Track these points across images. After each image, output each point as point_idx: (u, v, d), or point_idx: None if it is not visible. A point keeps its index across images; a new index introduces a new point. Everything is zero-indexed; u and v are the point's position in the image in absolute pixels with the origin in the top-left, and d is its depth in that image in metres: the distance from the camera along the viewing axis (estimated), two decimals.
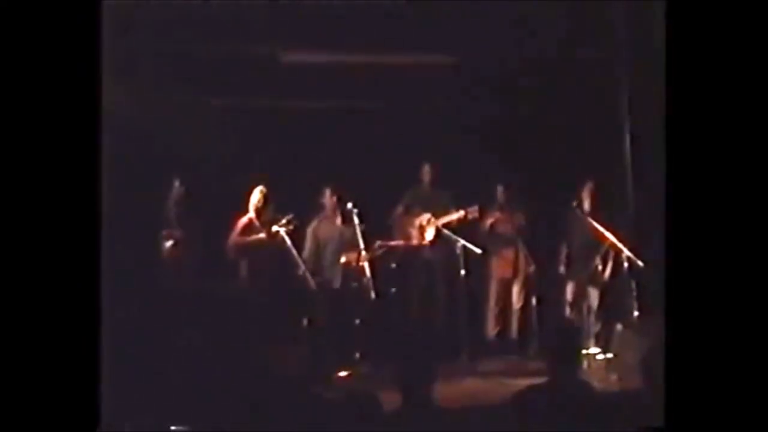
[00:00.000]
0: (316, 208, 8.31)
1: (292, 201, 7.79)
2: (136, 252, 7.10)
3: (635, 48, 8.29)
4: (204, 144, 8.05)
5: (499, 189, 8.61)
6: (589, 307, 8.21)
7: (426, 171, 8.60)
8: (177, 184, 7.74)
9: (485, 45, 8.18)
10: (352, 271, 7.98)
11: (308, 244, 8.19)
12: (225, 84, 8.26)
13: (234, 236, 7.67)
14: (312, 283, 7.68)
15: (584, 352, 7.36)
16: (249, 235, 7.65)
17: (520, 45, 8.22)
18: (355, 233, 7.85)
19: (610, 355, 7.64)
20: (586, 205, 8.08)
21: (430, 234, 8.45)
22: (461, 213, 8.25)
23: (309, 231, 8.22)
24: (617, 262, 7.76)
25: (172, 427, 4.67)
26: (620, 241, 7.64)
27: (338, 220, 8.18)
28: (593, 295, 8.18)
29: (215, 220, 7.75)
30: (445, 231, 8.18)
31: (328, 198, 8.23)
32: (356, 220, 7.84)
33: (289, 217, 7.55)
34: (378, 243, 8.11)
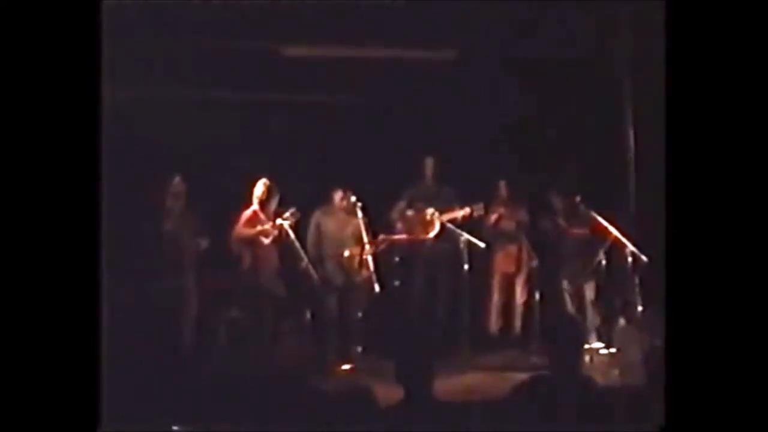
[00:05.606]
0: (320, 202, 8.30)
1: (296, 195, 7.78)
2: (136, 250, 7.09)
3: (636, 46, 8.28)
4: (206, 139, 8.06)
5: (502, 184, 8.63)
6: (593, 303, 8.24)
7: (429, 166, 8.60)
8: (178, 179, 7.70)
9: (488, 41, 8.18)
10: (356, 265, 7.99)
11: (311, 237, 8.19)
12: (227, 79, 8.27)
13: (238, 228, 7.65)
14: (315, 276, 7.69)
15: (587, 347, 7.37)
16: (253, 228, 7.64)
17: (522, 41, 8.22)
18: (358, 227, 7.86)
19: (613, 350, 7.66)
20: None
21: (434, 229, 8.44)
22: (466, 210, 8.21)
23: (312, 224, 8.21)
24: (621, 258, 7.76)
25: (174, 428, 4.67)
26: (624, 236, 7.65)
27: (342, 214, 8.17)
28: (596, 291, 8.20)
29: (218, 214, 7.75)
30: (449, 225, 8.18)
31: (331, 192, 8.22)
32: (360, 214, 7.84)
33: (293, 210, 7.55)
34: (381, 237, 8.11)
